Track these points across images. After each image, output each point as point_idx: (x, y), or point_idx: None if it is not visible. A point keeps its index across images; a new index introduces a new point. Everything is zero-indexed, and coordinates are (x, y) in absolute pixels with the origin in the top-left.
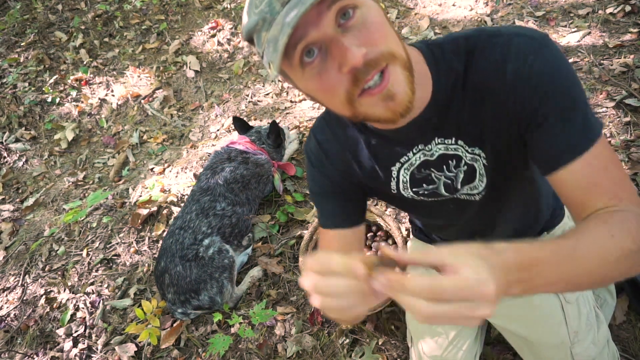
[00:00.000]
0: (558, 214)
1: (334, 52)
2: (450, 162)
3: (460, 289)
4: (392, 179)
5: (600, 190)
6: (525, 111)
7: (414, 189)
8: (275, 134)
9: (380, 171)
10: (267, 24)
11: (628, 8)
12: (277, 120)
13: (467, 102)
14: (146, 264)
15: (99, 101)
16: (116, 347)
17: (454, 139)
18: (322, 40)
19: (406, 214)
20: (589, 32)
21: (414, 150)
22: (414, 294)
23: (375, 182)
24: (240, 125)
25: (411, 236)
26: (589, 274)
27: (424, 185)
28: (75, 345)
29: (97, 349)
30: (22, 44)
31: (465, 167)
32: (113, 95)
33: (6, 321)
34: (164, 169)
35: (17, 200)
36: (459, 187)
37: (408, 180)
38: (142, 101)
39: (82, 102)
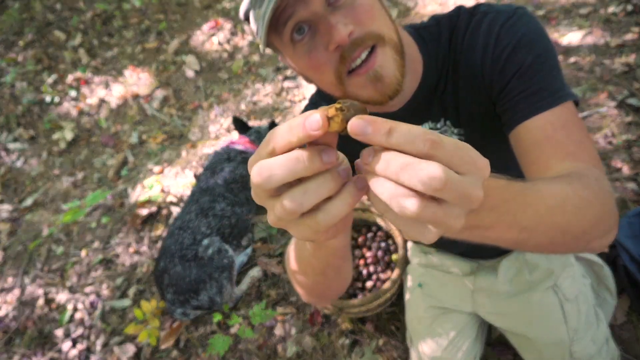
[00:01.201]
0: None
1: (321, 29)
2: None
3: (458, 148)
4: None
5: (557, 147)
6: (494, 82)
7: None
8: None
9: None
10: (259, 2)
11: (630, 7)
12: (277, 121)
13: (449, 82)
14: (145, 264)
15: (98, 101)
16: (115, 348)
17: (442, 120)
18: (311, 18)
19: None
20: (591, 32)
21: None
22: (406, 140)
23: None
24: (240, 125)
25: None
26: (544, 220)
27: None
28: (74, 345)
29: (95, 349)
30: (20, 43)
31: None
32: (112, 95)
33: (4, 322)
34: (163, 169)
35: (16, 200)
36: None
37: None
38: (141, 101)
39: (81, 101)
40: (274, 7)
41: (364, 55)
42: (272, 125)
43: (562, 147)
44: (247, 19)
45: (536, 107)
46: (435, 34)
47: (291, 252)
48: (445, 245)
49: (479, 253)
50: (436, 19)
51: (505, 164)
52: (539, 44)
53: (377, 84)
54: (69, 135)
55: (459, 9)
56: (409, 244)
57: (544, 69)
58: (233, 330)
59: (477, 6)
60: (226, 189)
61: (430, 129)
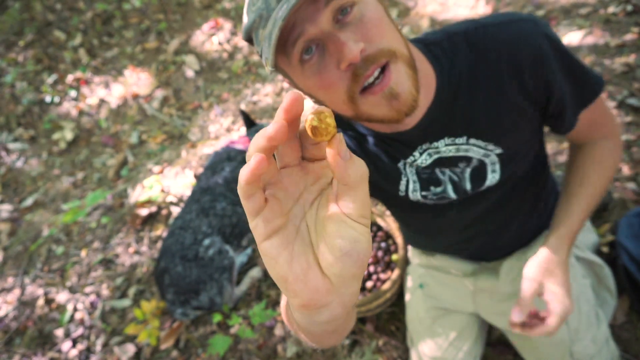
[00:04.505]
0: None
1: (331, 48)
2: (460, 164)
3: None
4: (402, 177)
5: (600, 129)
6: (544, 88)
7: (422, 193)
8: None
9: (388, 169)
10: (263, 21)
11: (629, 7)
12: None
13: (479, 95)
14: (145, 264)
15: (98, 101)
16: (115, 348)
17: (465, 137)
18: (319, 37)
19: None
20: (590, 32)
21: (420, 150)
22: None
23: (384, 181)
24: (247, 119)
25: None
26: (600, 195)
27: (432, 188)
28: (74, 345)
29: (95, 349)
30: (20, 43)
31: (477, 163)
32: (112, 95)
33: (4, 322)
34: (163, 169)
35: (16, 200)
36: (467, 187)
37: (417, 180)
38: (141, 101)
39: (81, 101)
40: (282, 26)
41: (376, 73)
42: None
43: (603, 128)
44: (249, 40)
45: (583, 101)
46: (448, 49)
47: (282, 304)
48: (451, 251)
49: (482, 256)
50: (448, 34)
51: (533, 193)
52: (568, 51)
53: (392, 102)
54: (69, 135)
55: (474, 23)
56: (410, 247)
57: (579, 70)
58: (233, 330)
59: (494, 19)
60: (227, 188)
61: (447, 145)
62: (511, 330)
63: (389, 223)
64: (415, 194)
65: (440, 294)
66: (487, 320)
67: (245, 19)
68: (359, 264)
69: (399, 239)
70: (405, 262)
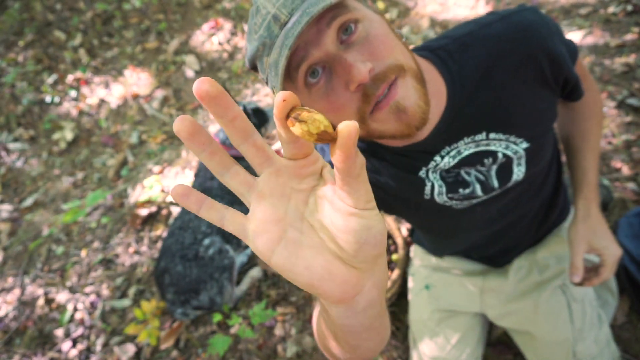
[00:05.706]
0: (567, 207)
1: (338, 70)
2: (485, 160)
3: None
4: (426, 183)
5: (583, 83)
6: (560, 71)
7: (449, 195)
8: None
9: (409, 180)
10: (267, 49)
11: (630, 7)
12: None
13: (495, 89)
14: (145, 264)
15: (98, 101)
16: (115, 348)
17: (484, 133)
18: (325, 59)
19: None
20: (590, 32)
21: (440, 155)
22: None
23: (407, 192)
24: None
25: (414, 244)
26: (600, 145)
27: (460, 190)
28: (74, 345)
29: (96, 349)
30: (20, 43)
31: (503, 159)
32: (112, 95)
33: (4, 322)
34: (163, 169)
35: (16, 200)
36: (495, 185)
37: (443, 184)
38: (141, 101)
39: (81, 101)
40: (288, 54)
41: (387, 92)
42: (257, 111)
43: (583, 82)
44: (253, 68)
45: (573, 62)
46: (455, 50)
47: (314, 318)
48: (469, 253)
49: (496, 258)
50: (453, 37)
51: (551, 184)
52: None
53: (400, 115)
54: (69, 135)
55: (475, 24)
56: (412, 247)
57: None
58: (233, 330)
59: (495, 16)
60: (222, 190)
61: (467, 143)
62: (517, 330)
63: (389, 223)
64: (441, 197)
65: (446, 295)
66: (493, 320)
67: (248, 47)
68: (378, 246)
69: (399, 239)
70: (406, 262)
